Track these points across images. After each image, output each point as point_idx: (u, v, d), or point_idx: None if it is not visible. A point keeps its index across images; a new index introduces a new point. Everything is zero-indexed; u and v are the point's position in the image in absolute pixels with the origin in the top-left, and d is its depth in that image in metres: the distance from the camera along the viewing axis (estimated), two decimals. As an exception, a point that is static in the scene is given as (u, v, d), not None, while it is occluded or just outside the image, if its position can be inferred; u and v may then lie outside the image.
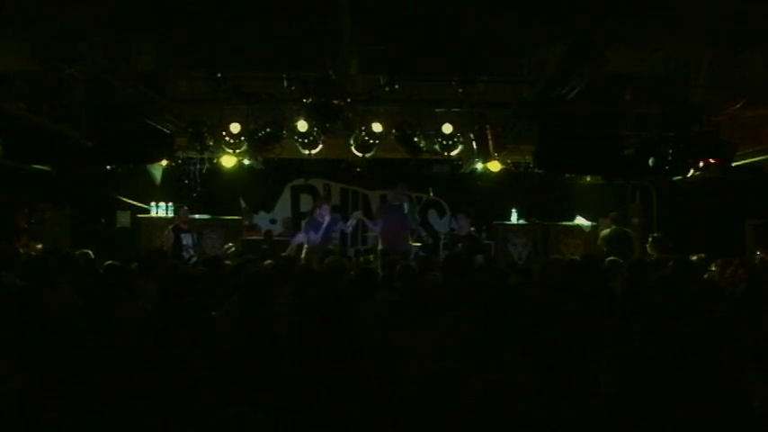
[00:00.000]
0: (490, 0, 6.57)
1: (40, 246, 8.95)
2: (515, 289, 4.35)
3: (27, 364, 2.86)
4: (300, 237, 9.72)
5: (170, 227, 9.57)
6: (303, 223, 10.34)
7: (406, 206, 9.64)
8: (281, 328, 3.45)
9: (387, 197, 10.06)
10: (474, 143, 8.63)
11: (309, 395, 2.69)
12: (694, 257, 7.05)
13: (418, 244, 10.37)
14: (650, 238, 8.40)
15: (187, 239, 9.38)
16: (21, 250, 7.62)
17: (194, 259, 8.96)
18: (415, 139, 8.52)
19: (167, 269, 5.45)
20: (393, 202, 9.86)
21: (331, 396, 2.66)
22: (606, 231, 9.31)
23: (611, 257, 6.79)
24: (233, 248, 9.58)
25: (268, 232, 10.61)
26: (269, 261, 6.53)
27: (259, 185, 11.96)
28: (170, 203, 10.63)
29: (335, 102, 7.43)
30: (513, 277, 4.90)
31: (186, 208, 9.80)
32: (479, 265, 7.01)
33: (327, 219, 9.53)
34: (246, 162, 10.17)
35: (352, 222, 10.24)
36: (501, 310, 3.49)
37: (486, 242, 10.55)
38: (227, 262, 6.92)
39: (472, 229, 10.13)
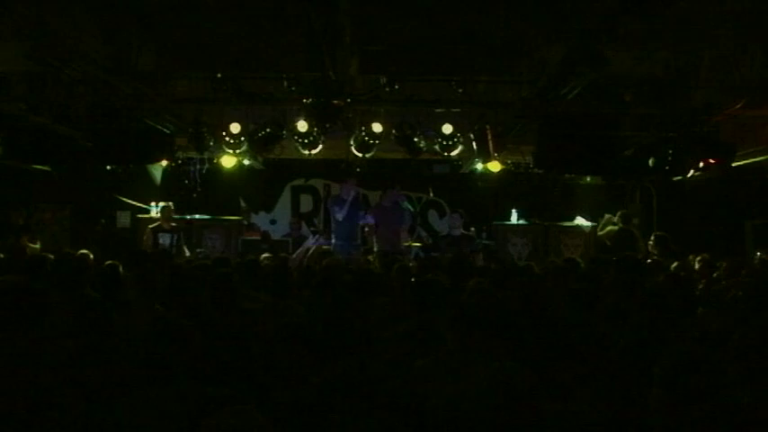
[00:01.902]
0: (490, 0, 6.58)
1: (38, 245, 8.93)
2: (476, 291, 4.35)
3: (29, 365, 2.86)
4: (310, 241, 9.74)
5: (151, 226, 9.49)
6: (328, 201, 10.33)
7: (405, 203, 9.62)
8: (282, 326, 3.45)
9: (380, 199, 10.02)
10: (474, 143, 8.63)
11: (308, 394, 2.69)
12: (697, 258, 7.05)
13: (418, 244, 10.37)
14: (652, 237, 8.39)
15: (164, 239, 9.28)
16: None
17: None
18: (415, 140, 8.52)
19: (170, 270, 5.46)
20: (385, 203, 9.85)
21: (329, 395, 2.66)
22: (614, 228, 9.29)
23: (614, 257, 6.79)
24: (203, 251, 9.62)
25: (265, 233, 10.60)
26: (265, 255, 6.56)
27: (259, 185, 11.95)
28: (170, 203, 10.62)
29: (335, 102, 7.43)
30: (473, 280, 4.87)
31: (172, 207, 9.68)
32: (480, 267, 7.02)
33: (352, 194, 9.51)
34: (246, 162, 10.17)
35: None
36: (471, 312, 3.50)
37: (487, 242, 10.54)
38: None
39: (472, 229, 10.12)
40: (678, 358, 2.52)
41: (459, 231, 9.72)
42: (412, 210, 10.16)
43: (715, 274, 6.16)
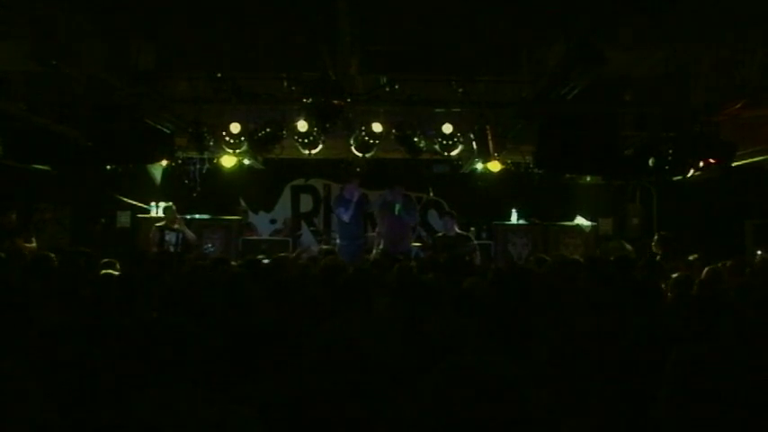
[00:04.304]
0: (490, 1, 6.58)
1: (34, 245, 8.94)
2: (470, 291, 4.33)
3: (27, 365, 2.86)
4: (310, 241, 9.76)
5: (157, 225, 9.59)
6: (332, 202, 10.24)
7: (397, 207, 9.49)
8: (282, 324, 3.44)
9: (384, 197, 9.93)
10: (474, 143, 8.63)
11: (301, 393, 2.69)
12: (690, 258, 7.05)
13: (418, 244, 10.35)
14: (656, 237, 8.38)
15: (170, 236, 9.41)
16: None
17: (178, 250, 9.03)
18: (415, 139, 8.52)
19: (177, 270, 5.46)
20: (390, 202, 9.80)
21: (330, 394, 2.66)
22: (605, 245, 9.24)
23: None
24: (212, 248, 9.67)
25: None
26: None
27: (259, 185, 11.96)
28: (171, 204, 10.65)
29: (335, 102, 7.42)
30: (468, 279, 4.86)
31: (174, 208, 9.79)
32: (477, 266, 7.03)
33: (357, 194, 9.42)
34: (246, 162, 10.18)
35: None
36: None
37: (487, 242, 10.54)
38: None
39: (472, 229, 10.11)
40: (689, 358, 2.51)
41: (454, 232, 9.63)
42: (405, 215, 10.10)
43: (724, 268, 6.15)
